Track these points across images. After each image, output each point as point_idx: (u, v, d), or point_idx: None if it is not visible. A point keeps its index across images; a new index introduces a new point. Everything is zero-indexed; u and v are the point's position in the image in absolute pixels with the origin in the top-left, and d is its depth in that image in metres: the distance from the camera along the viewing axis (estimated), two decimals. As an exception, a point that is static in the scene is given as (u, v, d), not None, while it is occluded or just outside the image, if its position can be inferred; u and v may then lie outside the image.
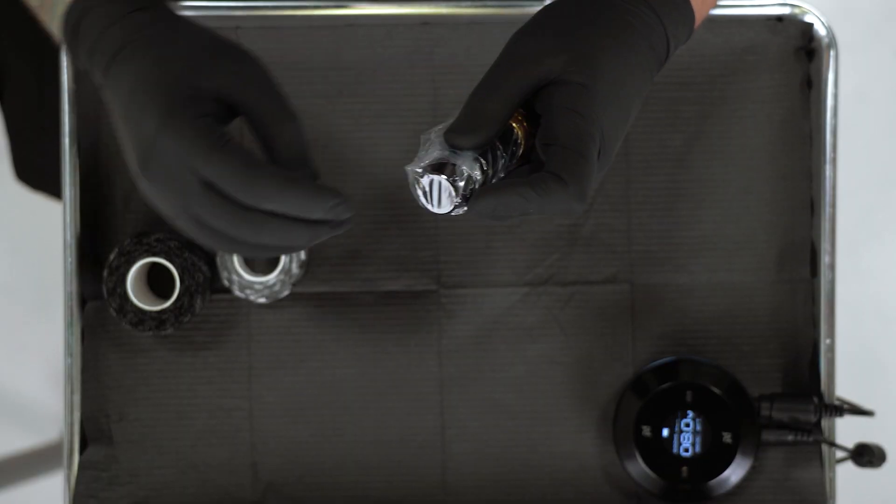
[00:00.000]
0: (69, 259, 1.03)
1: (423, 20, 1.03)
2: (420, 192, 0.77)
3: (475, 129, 0.78)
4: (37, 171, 1.37)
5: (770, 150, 1.04)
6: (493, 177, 0.78)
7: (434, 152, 0.77)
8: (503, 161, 0.79)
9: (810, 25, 1.03)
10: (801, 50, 1.03)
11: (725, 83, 1.03)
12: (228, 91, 0.79)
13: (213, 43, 0.81)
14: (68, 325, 1.03)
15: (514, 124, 0.79)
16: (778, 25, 1.03)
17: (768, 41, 1.03)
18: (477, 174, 0.77)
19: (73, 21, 0.82)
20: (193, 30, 0.81)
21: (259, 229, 0.78)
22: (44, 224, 1.91)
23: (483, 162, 0.77)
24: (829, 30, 1.03)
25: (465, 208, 0.77)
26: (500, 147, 0.79)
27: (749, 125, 1.04)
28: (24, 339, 1.97)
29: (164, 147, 0.77)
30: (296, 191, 0.77)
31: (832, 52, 1.03)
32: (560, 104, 0.78)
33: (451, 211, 0.77)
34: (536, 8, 1.03)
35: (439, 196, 0.77)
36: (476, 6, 1.03)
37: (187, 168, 0.77)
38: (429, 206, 0.77)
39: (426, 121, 1.03)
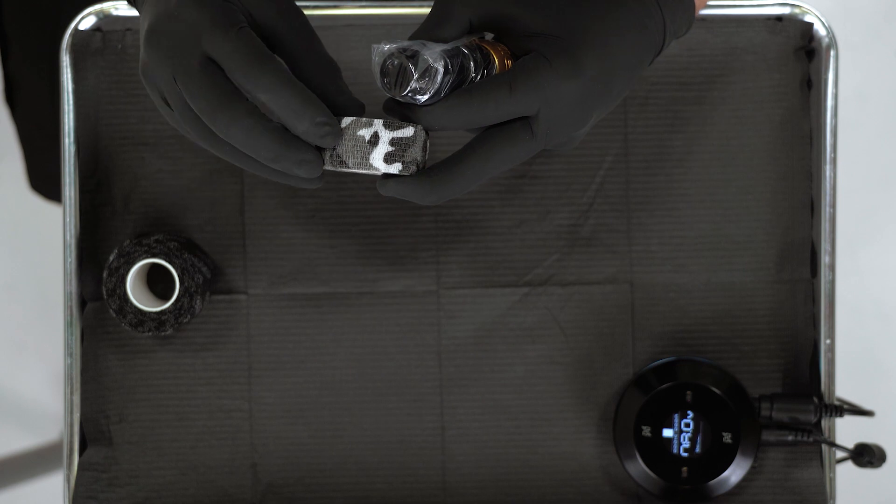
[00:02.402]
0: (69, 259, 1.03)
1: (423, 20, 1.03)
2: (379, 71, 0.77)
3: (439, 24, 0.79)
4: (50, 182, 1.37)
5: (770, 150, 1.04)
6: (456, 86, 0.78)
7: (404, 42, 0.78)
8: (471, 77, 0.78)
9: (810, 25, 1.03)
10: (801, 50, 1.03)
11: (725, 83, 1.03)
12: (262, 13, 0.79)
13: None
14: (68, 325, 1.03)
15: (491, 51, 0.79)
16: (778, 25, 1.03)
17: (768, 41, 1.03)
18: (439, 67, 0.76)
19: None
20: None
21: (233, 122, 0.77)
22: (44, 224, 1.91)
23: (448, 62, 0.77)
24: (829, 30, 1.03)
25: (420, 100, 0.77)
26: (473, 64, 0.78)
27: (749, 125, 1.04)
28: (24, 339, 1.97)
29: (182, 13, 0.77)
30: (294, 90, 0.76)
31: (832, 52, 1.03)
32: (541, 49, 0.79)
33: (405, 95, 0.77)
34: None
35: (396, 78, 0.77)
36: (476, 6, 1.03)
37: (196, 39, 0.77)
38: (384, 89, 0.77)
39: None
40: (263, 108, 0.77)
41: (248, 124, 0.77)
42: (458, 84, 0.78)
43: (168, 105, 0.80)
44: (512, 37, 0.80)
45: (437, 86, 0.77)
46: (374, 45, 0.77)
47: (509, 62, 0.80)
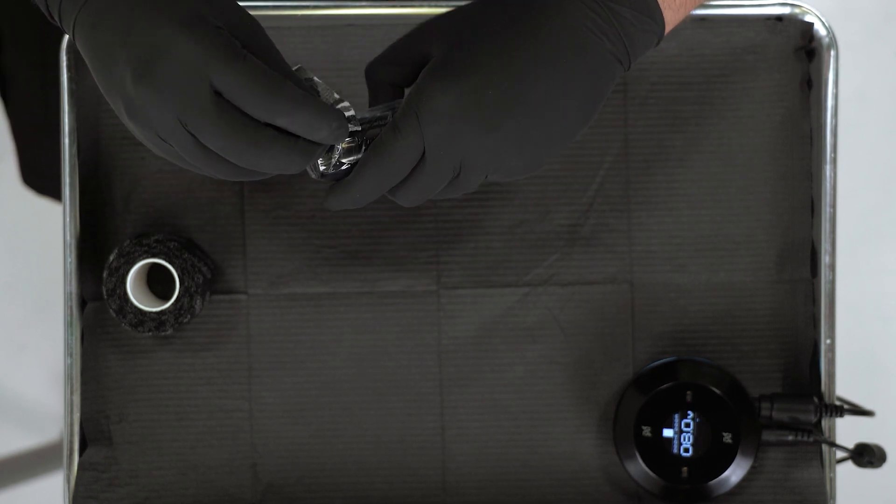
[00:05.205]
0: (69, 259, 1.03)
1: (423, 20, 1.03)
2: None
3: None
4: (42, 176, 1.37)
5: (770, 150, 1.04)
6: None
7: None
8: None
9: (810, 25, 1.03)
10: (801, 50, 1.03)
11: (725, 83, 1.03)
12: (236, 25, 0.76)
13: None
14: (68, 325, 1.03)
15: None
16: (778, 25, 1.03)
17: (768, 41, 1.03)
18: (340, 146, 0.78)
19: None
20: None
21: (263, 151, 0.75)
22: (44, 224, 1.91)
23: (357, 130, 0.79)
24: (829, 30, 1.03)
25: (321, 171, 0.79)
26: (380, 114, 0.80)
27: (749, 125, 1.04)
28: (24, 339, 1.97)
29: (178, 51, 0.73)
30: (312, 107, 0.75)
31: (832, 52, 1.03)
32: (418, 80, 0.78)
33: (321, 175, 0.80)
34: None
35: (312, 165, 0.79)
36: (476, 6, 1.03)
37: (199, 76, 0.73)
38: (311, 174, 0.80)
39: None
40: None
41: (277, 152, 0.76)
42: None
43: (162, 140, 0.77)
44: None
45: (334, 158, 0.78)
46: None
47: None
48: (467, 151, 0.78)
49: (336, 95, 0.80)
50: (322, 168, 0.80)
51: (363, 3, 1.04)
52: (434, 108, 0.77)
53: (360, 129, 0.79)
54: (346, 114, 0.78)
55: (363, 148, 0.80)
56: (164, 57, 0.74)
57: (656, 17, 0.80)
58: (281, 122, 0.75)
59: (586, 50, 0.78)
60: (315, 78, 0.80)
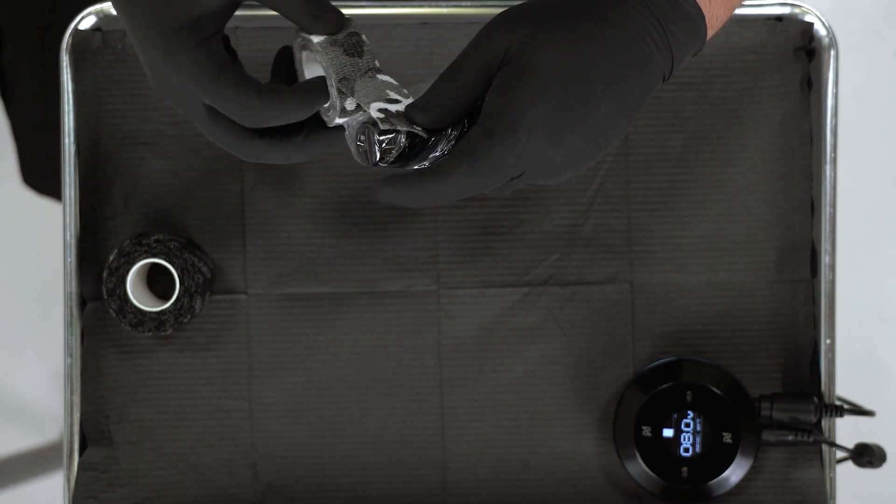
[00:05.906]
0: (69, 259, 1.03)
1: (423, 20, 1.03)
2: (354, 147, 0.80)
3: (432, 111, 0.78)
4: (42, 176, 1.37)
5: (770, 150, 1.04)
6: (437, 144, 0.78)
7: (373, 108, 0.79)
8: (454, 135, 0.79)
9: (810, 25, 1.03)
10: (801, 50, 1.03)
11: (725, 83, 1.03)
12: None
13: None
14: (68, 325, 1.03)
15: None
16: (778, 25, 1.03)
17: (768, 41, 1.03)
18: (402, 139, 0.77)
19: None
20: None
21: (260, 156, 0.81)
22: (44, 224, 1.91)
23: (420, 132, 0.78)
24: (829, 30, 1.03)
25: (382, 165, 0.79)
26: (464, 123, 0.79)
27: (749, 125, 1.04)
28: (24, 339, 1.97)
29: (168, 74, 0.79)
30: (292, 104, 0.79)
31: (832, 52, 1.03)
32: (496, 84, 0.77)
33: (374, 164, 0.79)
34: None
35: (366, 150, 0.79)
36: (476, 6, 1.03)
37: (191, 95, 0.79)
38: (357, 159, 0.80)
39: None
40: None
41: (274, 152, 0.82)
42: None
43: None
44: None
45: (399, 149, 0.78)
46: (356, 118, 0.80)
47: None
48: (532, 162, 0.78)
49: (377, 63, 0.80)
50: (416, 168, 0.78)
51: (363, 3, 1.04)
52: (527, 119, 0.76)
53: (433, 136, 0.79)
54: (407, 101, 0.79)
55: (429, 143, 0.78)
56: (161, 77, 0.80)
57: (702, 39, 0.81)
58: (271, 125, 0.80)
59: (646, 71, 0.79)
60: (363, 37, 0.81)
